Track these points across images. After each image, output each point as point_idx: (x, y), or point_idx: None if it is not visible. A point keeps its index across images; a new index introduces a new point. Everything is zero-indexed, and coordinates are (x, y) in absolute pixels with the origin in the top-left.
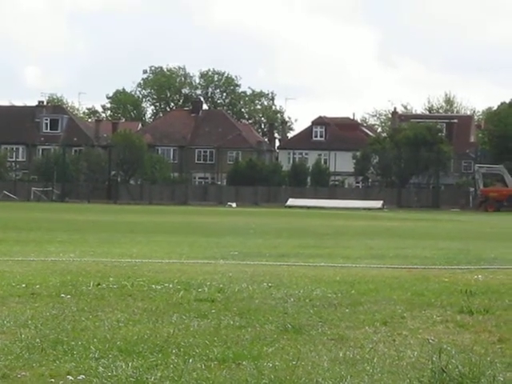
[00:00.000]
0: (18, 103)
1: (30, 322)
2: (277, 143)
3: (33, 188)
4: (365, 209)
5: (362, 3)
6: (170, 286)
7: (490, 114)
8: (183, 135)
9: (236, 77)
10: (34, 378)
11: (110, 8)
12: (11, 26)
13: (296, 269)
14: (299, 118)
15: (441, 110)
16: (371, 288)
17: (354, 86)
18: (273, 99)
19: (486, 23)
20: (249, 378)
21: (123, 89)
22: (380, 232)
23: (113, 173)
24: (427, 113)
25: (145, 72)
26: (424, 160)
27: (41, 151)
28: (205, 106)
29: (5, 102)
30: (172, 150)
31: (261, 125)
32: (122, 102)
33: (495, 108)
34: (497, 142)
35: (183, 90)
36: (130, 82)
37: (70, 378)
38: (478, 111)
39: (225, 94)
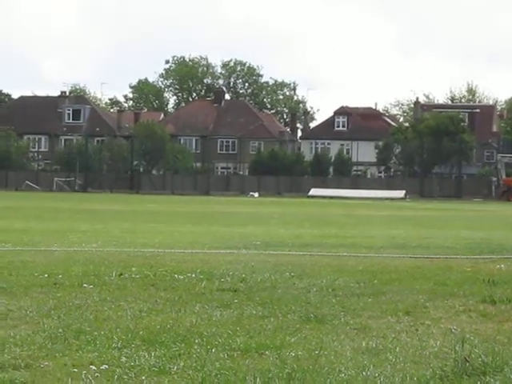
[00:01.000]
0: (41, 93)
1: (52, 311)
2: (299, 133)
3: (55, 178)
4: (387, 199)
5: None
6: (193, 275)
7: None
8: (205, 125)
9: (258, 67)
10: (57, 368)
11: None
12: (34, 16)
13: (319, 258)
14: (321, 108)
15: (463, 100)
16: (394, 278)
17: (376, 76)
18: (295, 89)
19: (507, 12)
20: (272, 367)
21: (146, 79)
22: (402, 222)
23: (135, 163)
24: (449, 102)
25: (167, 62)
26: (446, 150)
27: (63, 141)
28: (227, 96)
29: (28, 93)
30: (194, 140)
31: (283, 115)
32: (144, 92)
33: None
34: None
35: (205, 80)
36: (153, 72)
37: (93, 367)
38: (501, 101)
39: (247, 84)
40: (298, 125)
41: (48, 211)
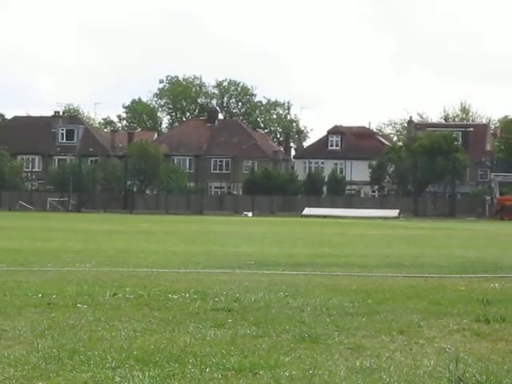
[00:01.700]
0: (35, 114)
1: (46, 332)
2: (292, 152)
3: (49, 198)
4: (381, 218)
5: (375, 13)
6: (187, 295)
7: (506, 123)
8: (199, 145)
9: (251, 86)
10: None
11: (125, 18)
12: (25, 36)
13: (312, 278)
14: (315, 128)
15: (456, 119)
16: (388, 297)
17: (369, 95)
18: (289, 108)
19: (500, 31)
20: None
21: (139, 98)
22: (396, 241)
23: (129, 183)
24: (443, 121)
25: (161, 82)
26: (440, 169)
27: (57, 161)
28: (220, 116)
29: (21, 113)
30: (188, 160)
31: (276, 134)
32: (137, 111)
33: (511, 116)
34: None
35: (199, 100)
36: (146, 91)
37: None
38: (494, 119)
39: (240, 104)
40: (292, 144)
41: (42, 231)
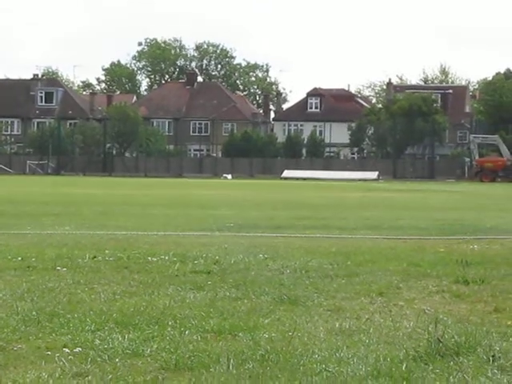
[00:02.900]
0: (14, 76)
1: (26, 294)
2: (272, 115)
3: (28, 161)
4: (360, 180)
5: None
6: (166, 258)
7: (485, 84)
8: (178, 107)
9: (231, 49)
10: (31, 351)
11: None
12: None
13: (292, 240)
14: (294, 90)
15: (436, 81)
16: (367, 259)
17: (348, 57)
18: (267, 71)
19: None
20: (245, 349)
21: (118, 61)
22: (375, 203)
23: (108, 145)
24: (422, 83)
25: (140, 44)
26: (419, 131)
27: (36, 124)
28: (199, 78)
29: (0, 76)
30: (167, 123)
31: (256, 97)
32: (117, 74)
33: (490, 78)
34: (492, 112)
35: (178, 62)
36: (125, 54)
37: (67, 350)
38: (473, 81)
39: (219, 66)
40: (271, 106)
41: (21, 194)
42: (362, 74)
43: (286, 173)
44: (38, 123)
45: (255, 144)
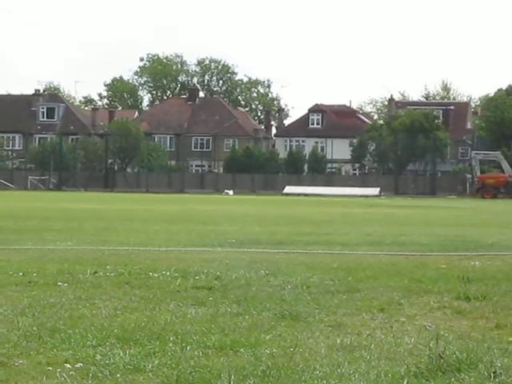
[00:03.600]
0: (15, 92)
1: (27, 310)
2: (273, 131)
3: (29, 177)
4: (362, 196)
5: None
6: (168, 273)
7: (486, 101)
8: (180, 123)
9: (232, 65)
10: (32, 366)
11: None
12: (7, 14)
13: (293, 256)
14: (296, 106)
15: (437, 97)
16: (368, 275)
17: (350, 74)
18: (269, 86)
19: (482, 11)
20: (246, 365)
21: (120, 77)
22: (377, 219)
23: (110, 161)
24: (424, 100)
25: (141, 60)
26: (421, 147)
27: (37, 140)
28: (201, 94)
29: (1, 91)
30: (169, 138)
31: (257, 112)
32: (118, 90)
33: (492, 94)
34: (493, 129)
35: (180, 78)
36: (127, 70)
37: (68, 366)
38: (475, 98)
39: (221, 82)
40: (273, 122)
41: (22, 210)
42: (364, 90)
43: (288, 189)
44: (39, 139)
45: (257, 160)
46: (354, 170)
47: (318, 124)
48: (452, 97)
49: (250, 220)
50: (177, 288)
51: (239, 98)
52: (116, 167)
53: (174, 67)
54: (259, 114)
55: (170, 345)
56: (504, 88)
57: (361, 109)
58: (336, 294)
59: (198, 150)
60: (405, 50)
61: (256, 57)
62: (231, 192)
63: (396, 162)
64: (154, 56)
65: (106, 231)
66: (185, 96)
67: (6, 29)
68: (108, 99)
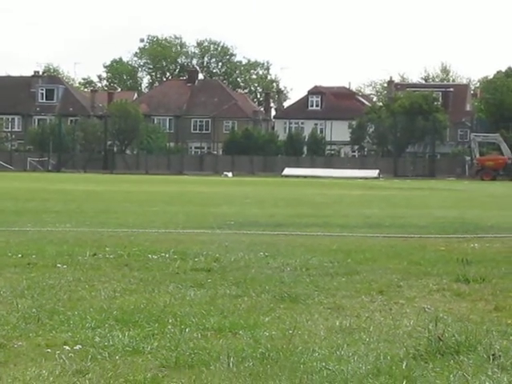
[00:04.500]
0: (14, 73)
1: (26, 292)
2: (273, 113)
3: (29, 158)
4: (361, 178)
5: None
6: (167, 255)
7: (486, 83)
8: (179, 105)
9: (232, 46)
10: (31, 348)
11: None
12: None
13: (293, 238)
14: (295, 88)
15: (437, 79)
16: (367, 257)
17: (349, 55)
18: (268, 68)
19: None
20: (245, 347)
21: (120, 58)
22: (376, 201)
23: (109, 143)
24: (423, 82)
25: (142, 41)
26: (420, 129)
27: (37, 121)
28: (200, 76)
29: (1, 73)
30: (168, 120)
31: (256, 94)
32: (118, 71)
33: (491, 77)
34: (493, 111)
35: (179, 60)
36: (126, 52)
37: (67, 347)
38: (474, 80)
39: (220, 64)
40: (272, 104)
41: (22, 191)
42: (363, 72)
43: (287, 171)
44: (38, 120)
45: (256, 142)
46: (353, 152)
47: (317, 106)
48: (451, 79)
49: (249, 202)
50: (176, 270)
51: (238, 79)
52: (115, 149)
53: (174, 49)
54: (258, 96)
55: (169, 327)
56: (503, 70)
57: (360, 91)
58: (335, 276)
59: (197, 131)
60: (404, 31)
61: (255, 39)
62: (230, 174)
63: (395, 144)
64: (154, 38)
65: (105, 213)
66: (184, 78)
67: (4, 13)
68: (107, 81)
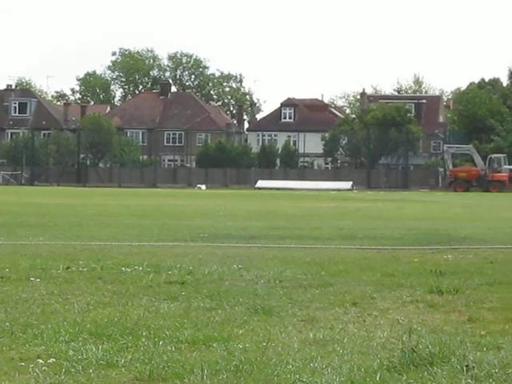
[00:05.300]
0: None
1: None
2: (246, 125)
3: (2, 172)
4: (334, 190)
5: None
6: (140, 268)
7: (458, 95)
8: (152, 118)
9: (204, 59)
10: (4, 362)
11: None
12: None
13: (266, 250)
14: (268, 100)
15: (410, 91)
16: (341, 269)
17: (322, 67)
18: (241, 81)
19: (454, 5)
20: (219, 359)
21: (94, 71)
22: (349, 213)
23: (82, 156)
24: (396, 93)
25: (113, 54)
26: (393, 141)
27: (9, 135)
28: (173, 89)
29: None
30: (141, 133)
31: (229, 107)
32: (91, 84)
33: (464, 88)
34: (466, 122)
35: (152, 73)
36: (99, 64)
37: (41, 361)
38: (447, 91)
39: (193, 76)
40: (245, 117)
41: None
42: (336, 84)
43: (260, 183)
44: (11, 134)
45: (229, 154)
46: (327, 164)
47: (290, 118)
48: (424, 90)
49: (223, 214)
50: (149, 283)
51: (211, 92)
52: (88, 162)
53: (146, 62)
54: (231, 108)
55: (143, 340)
56: (476, 82)
57: (333, 103)
58: (309, 288)
59: (171, 144)
60: (377, 43)
61: (228, 51)
62: (203, 187)
63: (368, 155)
64: (126, 51)
65: (79, 226)
66: (157, 91)
67: None
68: (80, 94)
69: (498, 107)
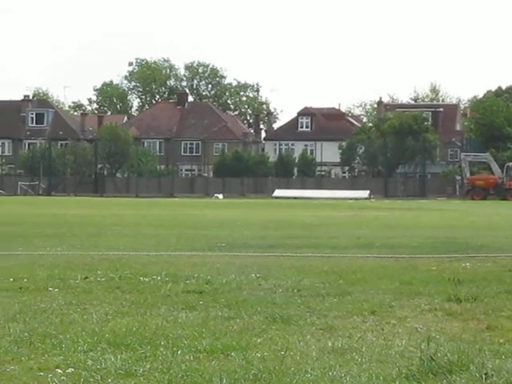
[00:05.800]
0: (4, 98)
1: (18, 315)
2: (263, 134)
3: (19, 182)
4: (351, 199)
5: None
6: (158, 278)
7: (475, 103)
8: (169, 127)
9: (221, 68)
10: (23, 372)
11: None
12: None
13: (284, 259)
14: (285, 109)
15: (426, 99)
16: (359, 278)
17: (339, 76)
18: (258, 90)
19: (471, 13)
20: (237, 368)
21: (111, 81)
22: (367, 222)
23: (99, 166)
24: (413, 102)
25: (130, 64)
26: (410, 149)
27: (27, 145)
28: (190, 98)
29: None
30: (158, 143)
31: (246, 116)
32: (108, 94)
33: (481, 96)
34: (483, 131)
35: (168, 83)
36: (116, 74)
37: (59, 371)
38: (464, 99)
39: (210, 86)
40: (262, 126)
41: (12, 215)
42: (353, 93)
43: (277, 192)
44: (28, 144)
45: (246, 163)
46: (344, 172)
47: (307, 127)
48: (441, 99)
49: (240, 224)
50: (167, 292)
51: (228, 101)
52: (105, 172)
53: (163, 72)
54: (248, 117)
55: (161, 349)
56: (493, 90)
57: (350, 111)
58: (327, 297)
59: (188, 154)
60: (394, 52)
61: (245, 61)
62: (221, 196)
63: (385, 164)
64: (143, 60)
65: (96, 236)
66: (174, 100)
67: None
68: (97, 104)
69: None
